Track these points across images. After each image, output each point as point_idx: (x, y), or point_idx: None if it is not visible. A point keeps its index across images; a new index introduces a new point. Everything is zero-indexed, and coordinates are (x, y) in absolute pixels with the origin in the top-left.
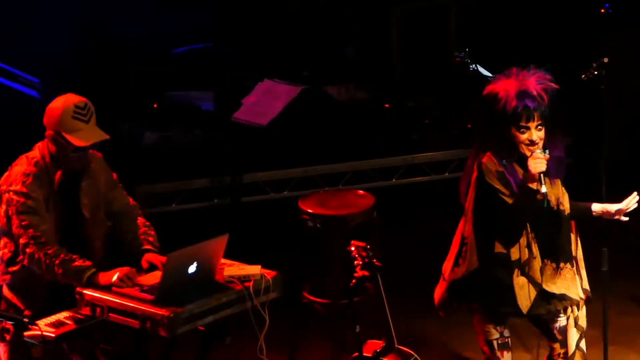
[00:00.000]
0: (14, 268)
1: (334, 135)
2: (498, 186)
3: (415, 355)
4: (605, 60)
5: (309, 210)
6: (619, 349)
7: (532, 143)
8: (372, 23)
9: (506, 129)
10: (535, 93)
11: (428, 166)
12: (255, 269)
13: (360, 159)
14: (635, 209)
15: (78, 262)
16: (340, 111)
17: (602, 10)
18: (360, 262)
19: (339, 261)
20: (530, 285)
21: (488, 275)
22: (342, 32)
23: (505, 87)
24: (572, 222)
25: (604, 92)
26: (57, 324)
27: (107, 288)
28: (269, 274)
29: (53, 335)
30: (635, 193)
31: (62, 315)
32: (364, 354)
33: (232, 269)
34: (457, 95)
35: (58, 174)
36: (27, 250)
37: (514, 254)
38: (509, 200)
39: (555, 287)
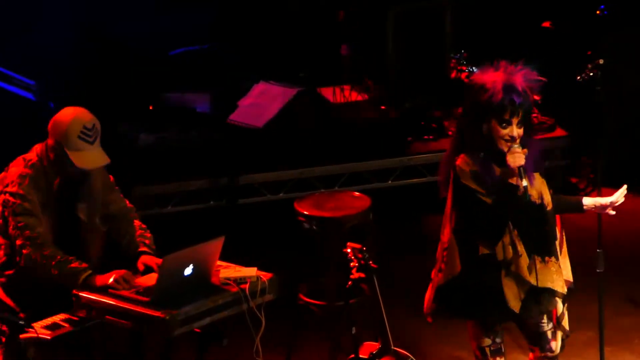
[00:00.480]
0: (10, 271)
1: (330, 136)
2: (474, 186)
3: (412, 357)
4: (601, 61)
5: (305, 212)
6: (615, 349)
7: (512, 139)
8: (368, 24)
9: (487, 121)
10: (521, 89)
11: (424, 168)
12: (251, 271)
13: (356, 160)
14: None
15: (74, 264)
16: (336, 112)
17: (598, 12)
18: (356, 264)
19: (335, 263)
20: (518, 284)
21: (474, 282)
22: (340, 33)
23: (493, 78)
24: (557, 217)
25: (600, 93)
26: (53, 326)
27: (103, 290)
28: (265, 275)
29: (49, 337)
30: (625, 186)
31: (58, 318)
32: (360, 356)
33: (228, 271)
34: (454, 97)
35: (56, 180)
36: (24, 251)
37: (499, 253)
38: (488, 200)
39: (540, 281)
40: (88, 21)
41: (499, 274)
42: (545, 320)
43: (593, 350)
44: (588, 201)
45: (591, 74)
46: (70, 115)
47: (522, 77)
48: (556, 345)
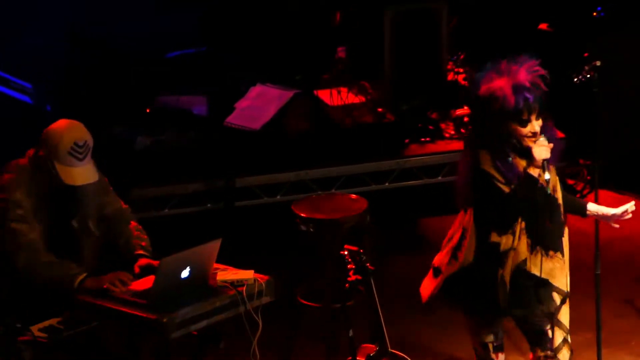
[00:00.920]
0: (4, 275)
1: (327, 139)
2: (494, 173)
3: (409, 359)
4: (598, 63)
5: (302, 214)
6: (613, 351)
7: (535, 134)
8: (365, 25)
9: (506, 126)
10: (529, 85)
11: (421, 170)
12: (248, 274)
13: (353, 162)
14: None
15: (69, 268)
16: (333, 115)
17: (595, 14)
18: (353, 266)
19: (332, 265)
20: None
21: (479, 273)
22: (337, 35)
23: (499, 85)
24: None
25: (597, 94)
26: (49, 329)
27: (99, 292)
28: (262, 278)
29: (46, 340)
30: (633, 202)
31: (55, 321)
32: (358, 358)
33: (226, 273)
34: (451, 99)
35: (47, 187)
36: (17, 258)
37: (504, 243)
38: (505, 188)
39: (541, 270)
40: (85, 24)
41: (503, 265)
42: (545, 319)
43: (591, 352)
44: (593, 207)
45: (588, 75)
46: (64, 129)
47: (525, 72)
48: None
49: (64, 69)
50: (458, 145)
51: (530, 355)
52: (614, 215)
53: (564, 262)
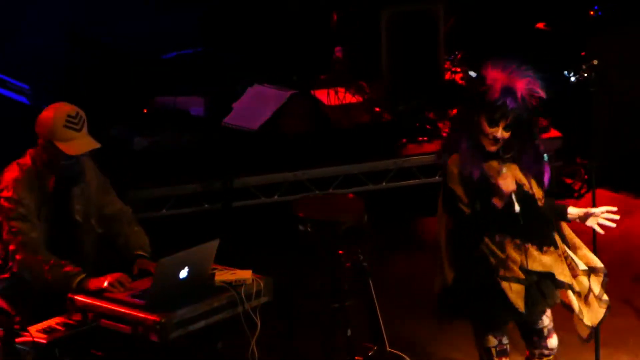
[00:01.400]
0: (4, 275)
1: (324, 139)
2: (459, 192)
3: (407, 359)
4: (595, 62)
5: (300, 215)
6: (611, 350)
7: (495, 140)
8: (362, 25)
9: (478, 114)
10: (519, 95)
11: (418, 169)
12: (246, 274)
13: (350, 162)
14: (628, 210)
15: (68, 268)
16: (330, 114)
17: (592, 13)
18: (351, 266)
19: (329, 265)
20: (519, 281)
21: (474, 283)
22: (334, 35)
23: (496, 76)
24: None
25: (594, 94)
26: (48, 330)
27: (98, 293)
28: (260, 278)
29: (44, 341)
30: (615, 208)
31: (53, 321)
32: (356, 358)
33: (224, 273)
34: (448, 98)
35: (51, 181)
36: (17, 257)
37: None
38: (466, 210)
39: (541, 265)
40: (84, 24)
41: (497, 274)
42: (544, 317)
43: (589, 351)
44: (573, 210)
45: (585, 74)
46: (52, 109)
47: (525, 83)
48: (552, 342)
49: (63, 69)
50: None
51: (527, 352)
52: (593, 213)
53: (558, 255)
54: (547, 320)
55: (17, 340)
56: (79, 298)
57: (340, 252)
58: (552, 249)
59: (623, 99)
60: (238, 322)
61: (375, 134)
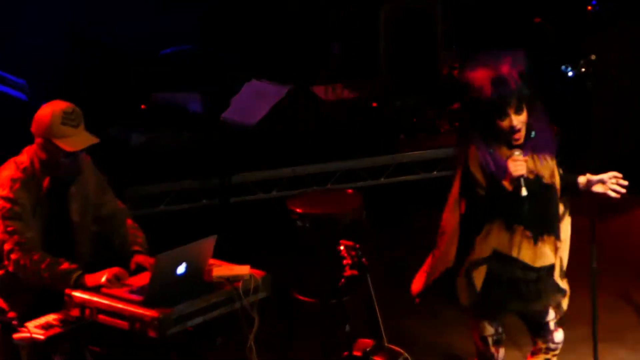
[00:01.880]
0: (0, 271)
1: (322, 134)
2: (478, 176)
3: (405, 354)
4: (593, 57)
5: (298, 210)
6: (608, 345)
7: (514, 129)
8: (360, 22)
9: (488, 117)
10: (509, 78)
11: (416, 165)
12: (244, 269)
13: (348, 158)
14: (627, 206)
15: (64, 265)
16: (328, 111)
17: (589, 8)
18: (350, 261)
19: (328, 260)
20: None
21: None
22: (334, 32)
23: (480, 76)
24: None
25: (592, 89)
26: (46, 326)
27: (95, 289)
28: (258, 273)
29: (42, 337)
30: (621, 175)
31: (50, 317)
32: (354, 353)
33: (221, 269)
34: (445, 94)
35: (47, 180)
36: (12, 256)
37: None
38: (481, 192)
39: (536, 261)
40: (84, 24)
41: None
42: (550, 310)
43: (586, 346)
44: (582, 179)
45: (583, 69)
46: (48, 107)
47: (508, 65)
48: (558, 336)
49: (63, 69)
50: (453, 139)
51: (532, 348)
52: (601, 179)
53: (559, 245)
54: (552, 313)
55: (15, 336)
56: (77, 294)
57: (339, 247)
58: (552, 238)
59: (623, 100)
60: (236, 318)
61: (373, 130)
